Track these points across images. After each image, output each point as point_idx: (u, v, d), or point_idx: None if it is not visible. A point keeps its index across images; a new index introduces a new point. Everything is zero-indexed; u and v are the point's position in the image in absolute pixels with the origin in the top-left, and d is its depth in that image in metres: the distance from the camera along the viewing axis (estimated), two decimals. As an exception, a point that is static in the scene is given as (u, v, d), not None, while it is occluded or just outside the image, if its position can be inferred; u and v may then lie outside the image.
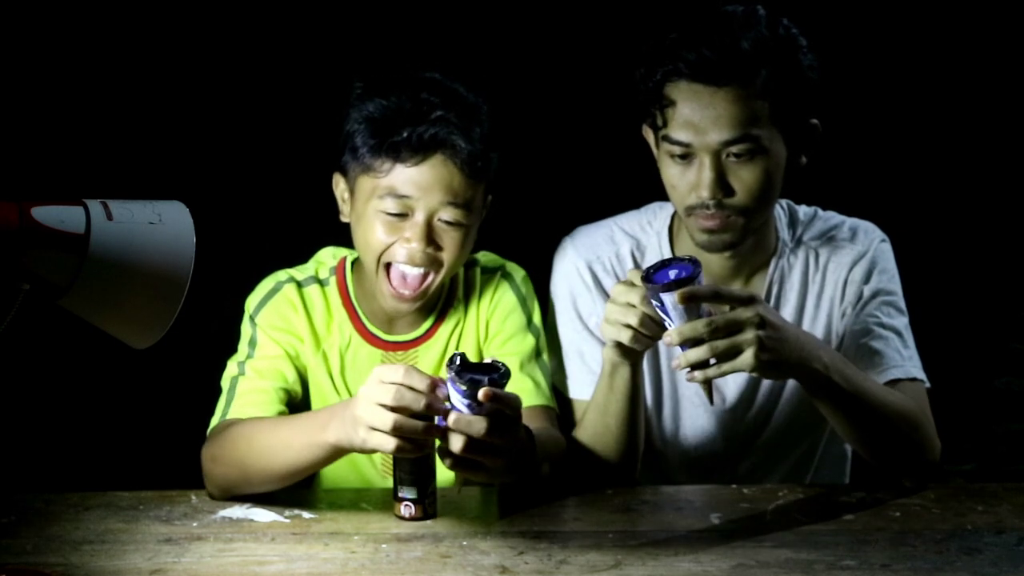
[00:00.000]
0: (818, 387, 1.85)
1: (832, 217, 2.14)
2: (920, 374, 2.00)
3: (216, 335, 2.11)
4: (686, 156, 1.94)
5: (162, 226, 1.48)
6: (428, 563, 1.67)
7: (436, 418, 1.65)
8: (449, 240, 1.93)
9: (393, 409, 1.62)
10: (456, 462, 1.66)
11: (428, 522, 1.80)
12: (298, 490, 2.02)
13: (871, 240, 2.09)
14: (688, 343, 1.74)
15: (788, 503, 1.87)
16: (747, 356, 1.73)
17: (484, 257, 2.11)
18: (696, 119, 1.91)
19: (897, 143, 3.24)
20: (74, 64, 3.01)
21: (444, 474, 1.93)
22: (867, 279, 2.06)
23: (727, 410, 2.10)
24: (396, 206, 1.91)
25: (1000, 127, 3.26)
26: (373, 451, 1.69)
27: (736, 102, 1.90)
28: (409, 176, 1.90)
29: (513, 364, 1.98)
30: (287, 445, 1.79)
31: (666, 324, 1.77)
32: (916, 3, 3.19)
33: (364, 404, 1.64)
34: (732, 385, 2.09)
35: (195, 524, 1.81)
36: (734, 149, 1.91)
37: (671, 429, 2.12)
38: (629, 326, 1.82)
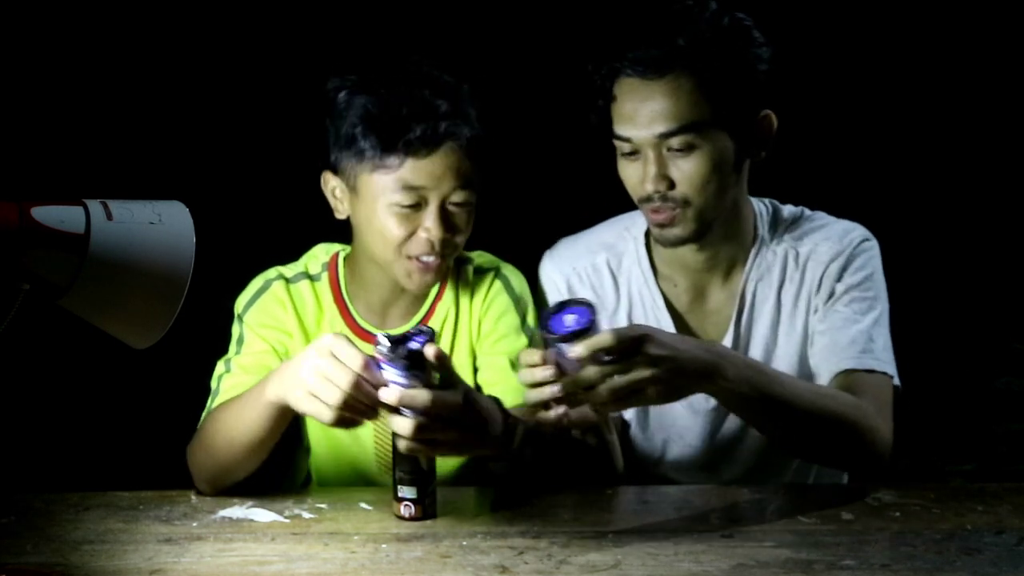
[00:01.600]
0: (724, 398, 1.83)
1: (819, 217, 2.14)
2: (880, 367, 1.98)
3: (216, 335, 2.10)
4: (632, 152, 1.97)
5: (162, 226, 1.48)
6: (428, 563, 1.67)
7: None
8: (461, 221, 1.96)
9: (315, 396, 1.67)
10: (412, 442, 1.69)
11: (428, 522, 1.80)
12: (298, 490, 2.03)
13: (852, 239, 2.08)
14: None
15: (788, 503, 1.87)
16: (649, 393, 1.70)
17: (479, 257, 2.11)
18: (635, 114, 1.94)
19: (898, 142, 3.25)
20: (74, 64, 3.01)
21: (444, 474, 1.93)
22: (840, 276, 2.06)
23: (711, 409, 2.08)
24: (410, 198, 1.92)
25: (1001, 127, 3.26)
26: (306, 413, 1.73)
27: (672, 95, 1.92)
28: (421, 168, 1.91)
29: (504, 364, 1.99)
30: (239, 416, 1.82)
31: (566, 371, 1.72)
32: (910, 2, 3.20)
33: (314, 373, 1.67)
34: None
35: (195, 524, 1.81)
36: (673, 143, 1.93)
37: (664, 432, 2.12)
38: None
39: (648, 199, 1.97)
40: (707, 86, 1.92)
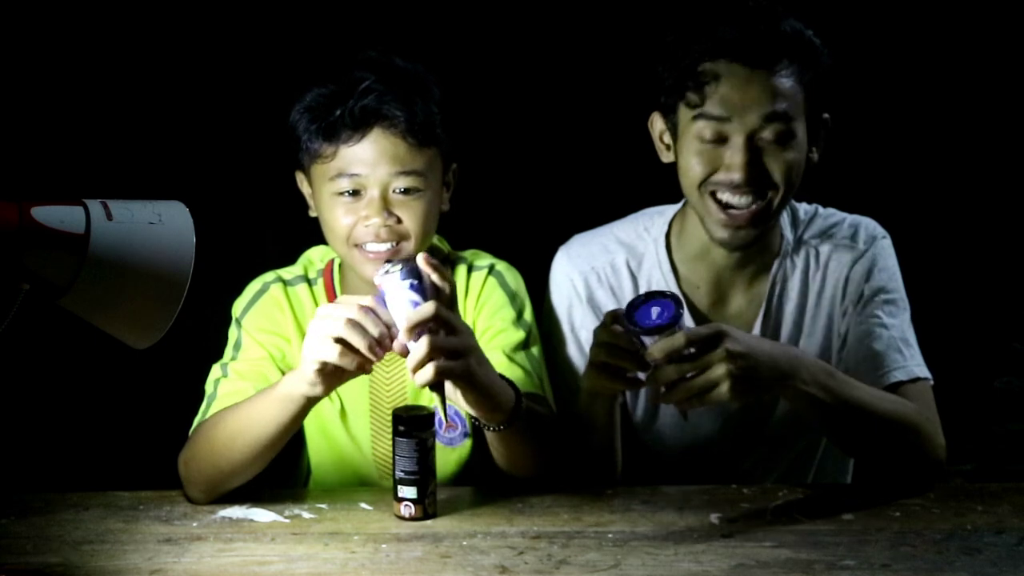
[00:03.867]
0: (799, 401, 1.86)
1: (832, 215, 2.14)
2: (922, 372, 2.00)
3: (216, 335, 2.10)
4: (716, 139, 1.93)
5: (162, 226, 1.48)
6: (428, 563, 1.67)
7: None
8: (408, 210, 1.93)
9: (339, 340, 1.67)
10: (427, 374, 1.67)
11: (428, 522, 1.80)
12: (298, 490, 2.03)
13: (871, 237, 2.10)
14: (666, 384, 1.75)
15: (788, 503, 1.87)
16: (722, 390, 1.74)
17: (473, 256, 2.11)
18: (735, 97, 1.91)
19: (900, 141, 3.24)
20: (74, 64, 3.00)
21: (444, 474, 1.93)
22: (867, 278, 2.07)
23: (725, 407, 2.09)
24: (349, 184, 1.92)
25: (1002, 126, 3.26)
26: (326, 388, 1.72)
27: (773, 83, 1.91)
28: (354, 154, 1.91)
29: (502, 358, 1.97)
30: (249, 416, 1.81)
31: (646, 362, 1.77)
32: (918, 1, 3.20)
33: (322, 332, 1.69)
34: None
35: (195, 524, 1.81)
36: (767, 133, 1.91)
37: (673, 427, 2.11)
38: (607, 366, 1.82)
39: (723, 189, 1.93)
40: (801, 79, 1.92)
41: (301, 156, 1.97)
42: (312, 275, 2.07)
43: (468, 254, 2.11)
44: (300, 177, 2.02)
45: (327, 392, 1.75)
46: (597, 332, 1.82)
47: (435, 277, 1.71)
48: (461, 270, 2.08)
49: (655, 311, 1.74)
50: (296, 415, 1.78)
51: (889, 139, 3.24)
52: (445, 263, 2.08)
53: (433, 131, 1.94)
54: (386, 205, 1.91)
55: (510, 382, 1.81)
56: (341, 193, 1.92)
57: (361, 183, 1.91)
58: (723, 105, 1.91)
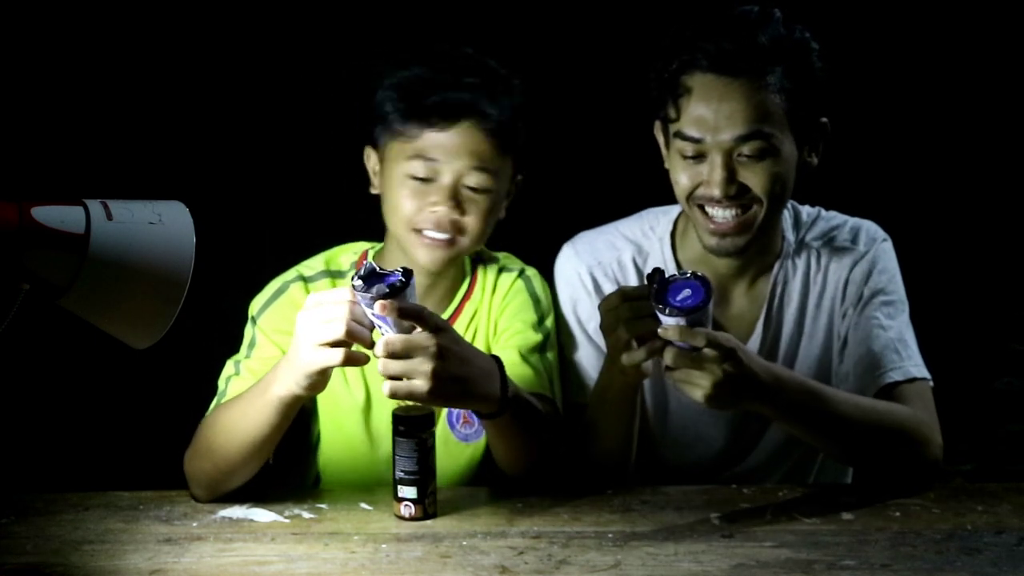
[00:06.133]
0: (779, 420, 1.88)
1: (834, 217, 2.15)
2: (919, 372, 2.00)
3: (215, 335, 2.10)
4: (697, 156, 1.94)
5: (162, 226, 1.48)
6: (428, 563, 1.67)
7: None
8: (474, 207, 1.94)
9: (336, 343, 1.66)
10: (386, 389, 1.67)
11: (428, 522, 1.80)
12: (298, 490, 2.03)
13: (872, 240, 2.10)
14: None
15: (788, 503, 1.87)
16: (697, 393, 1.73)
17: (506, 259, 2.12)
18: (709, 115, 1.91)
19: (899, 143, 3.25)
20: (74, 64, 3.01)
21: (444, 474, 1.93)
22: (867, 279, 2.07)
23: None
24: (423, 170, 1.93)
25: (1001, 127, 3.26)
26: (319, 366, 1.69)
27: (750, 96, 1.90)
28: (438, 140, 1.92)
29: (515, 356, 1.97)
30: (243, 415, 1.80)
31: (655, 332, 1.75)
32: (918, 3, 3.20)
33: (312, 327, 1.67)
34: None
35: (195, 524, 1.81)
36: (746, 149, 1.91)
37: (676, 429, 2.11)
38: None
39: (707, 203, 1.94)
40: (783, 89, 1.91)
41: (378, 132, 1.98)
42: (336, 268, 2.05)
43: (502, 256, 2.12)
44: (368, 152, 2.02)
45: (320, 391, 1.75)
46: (611, 298, 1.79)
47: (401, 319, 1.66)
48: (492, 269, 2.09)
49: (685, 292, 1.73)
50: (288, 415, 1.78)
51: (890, 142, 3.24)
52: (477, 261, 2.09)
53: (515, 139, 1.97)
54: (454, 195, 1.93)
55: (501, 367, 1.79)
56: (414, 176, 1.93)
57: (436, 170, 1.93)
58: (698, 126, 1.92)
